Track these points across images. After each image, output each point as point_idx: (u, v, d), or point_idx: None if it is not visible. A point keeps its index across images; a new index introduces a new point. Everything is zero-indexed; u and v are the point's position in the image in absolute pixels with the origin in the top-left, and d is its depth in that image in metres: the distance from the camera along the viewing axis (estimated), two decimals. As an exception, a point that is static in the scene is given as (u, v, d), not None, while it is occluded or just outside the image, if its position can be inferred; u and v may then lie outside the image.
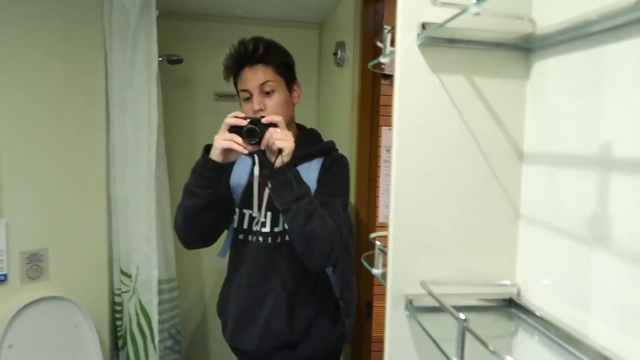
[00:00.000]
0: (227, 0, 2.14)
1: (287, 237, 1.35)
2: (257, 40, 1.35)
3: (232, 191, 1.44)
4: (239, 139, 1.19)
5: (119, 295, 2.08)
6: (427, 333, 0.75)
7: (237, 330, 1.43)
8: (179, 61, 2.17)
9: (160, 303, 1.99)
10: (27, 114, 1.76)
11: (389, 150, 2.27)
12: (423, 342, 0.85)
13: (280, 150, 1.18)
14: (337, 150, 1.44)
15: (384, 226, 2.64)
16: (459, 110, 0.82)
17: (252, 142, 1.20)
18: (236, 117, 1.21)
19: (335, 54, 1.92)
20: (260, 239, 1.39)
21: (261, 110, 1.33)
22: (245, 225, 1.42)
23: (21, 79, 1.73)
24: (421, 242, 0.83)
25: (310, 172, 1.36)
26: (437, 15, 0.74)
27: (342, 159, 1.41)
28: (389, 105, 2.55)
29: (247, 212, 1.41)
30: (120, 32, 1.90)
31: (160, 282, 2.00)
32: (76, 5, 1.86)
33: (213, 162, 1.22)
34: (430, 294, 0.77)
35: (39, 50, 1.77)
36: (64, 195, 1.88)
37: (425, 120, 0.82)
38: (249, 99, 1.35)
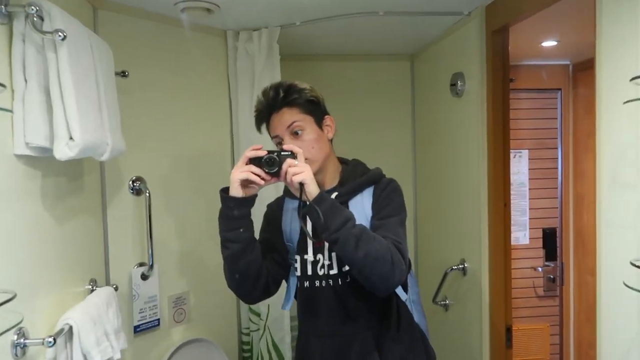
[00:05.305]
0: (330, 41, 2.24)
1: None
2: (277, 86, 1.34)
3: (287, 239, 1.40)
4: (257, 169, 1.18)
5: (247, 334, 2.10)
6: None
7: None
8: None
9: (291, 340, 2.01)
10: (171, 167, 1.84)
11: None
12: None
13: (301, 185, 1.17)
14: (384, 176, 1.40)
15: (516, 249, 2.67)
16: None
17: (271, 171, 1.18)
18: (255, 149, 1.20)
19: (453, 85, 1.97)
20: (331, 281, 1.33)
21: None
22: (309, 272, 1.35)
23: (168, 135, 1.83)
24: None
25: (364, 201, 1.34)
26: None
27: (393, 183, 1.37)
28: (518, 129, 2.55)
29: (308, 257, 1.35)
30: (246, 77, 1.99)
31: (290, 319, 2.02)
32: (202, 57, 1.95)
33: (234, 199, 1.19)
34: None
35: (178, 99, 1.86)
36: (200, 238, 1.93)
37: None
38: (281, 143, 1.32)
